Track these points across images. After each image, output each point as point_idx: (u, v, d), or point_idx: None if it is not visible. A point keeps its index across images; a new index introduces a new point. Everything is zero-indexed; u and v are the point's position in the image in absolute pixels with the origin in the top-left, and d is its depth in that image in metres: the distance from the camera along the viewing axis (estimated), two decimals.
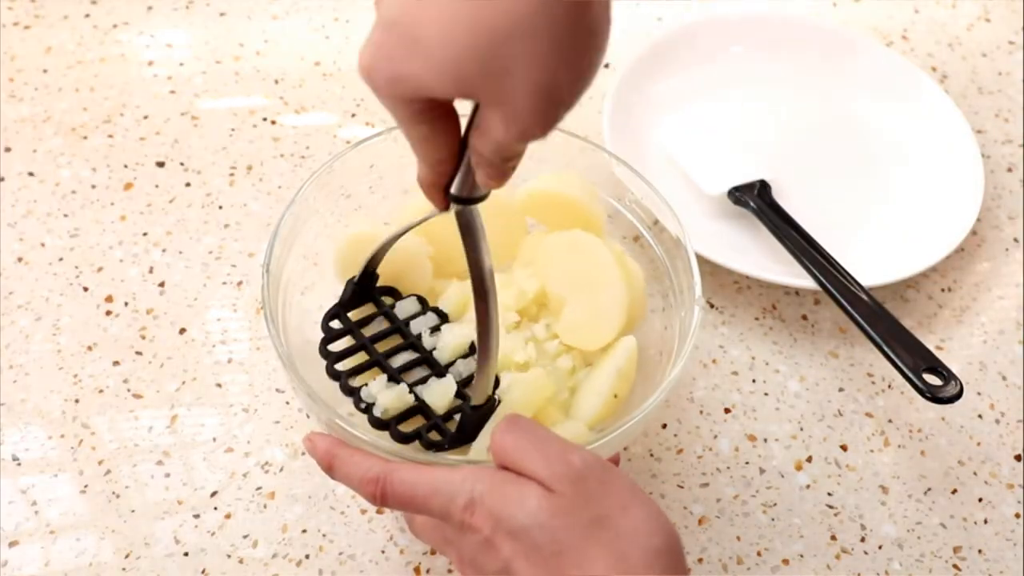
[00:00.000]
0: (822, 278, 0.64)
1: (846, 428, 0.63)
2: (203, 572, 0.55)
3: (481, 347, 0.46)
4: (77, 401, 0.61)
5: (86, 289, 0.66)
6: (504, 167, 0.38)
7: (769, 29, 0.82)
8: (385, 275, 0.55)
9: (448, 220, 0.43)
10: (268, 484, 0.58)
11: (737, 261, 0.67)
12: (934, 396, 0.58)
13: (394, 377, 0.52)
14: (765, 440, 0.63)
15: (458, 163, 0.39)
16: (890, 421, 0.64)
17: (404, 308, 0.55)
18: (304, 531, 0.57)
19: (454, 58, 0.33)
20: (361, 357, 0.54)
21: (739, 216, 0.72)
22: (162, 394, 0.61)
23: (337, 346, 0.54)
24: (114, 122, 0.76)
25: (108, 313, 0.65)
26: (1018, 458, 0.63)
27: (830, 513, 0.60)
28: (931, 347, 0.63)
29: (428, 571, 0.56)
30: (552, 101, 0.34)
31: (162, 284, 0.67)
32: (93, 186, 0.72)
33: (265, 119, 0.77)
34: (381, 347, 0.54)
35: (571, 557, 0.39)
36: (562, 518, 0.39)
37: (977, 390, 0.66)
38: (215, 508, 0.57)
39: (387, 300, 0.56)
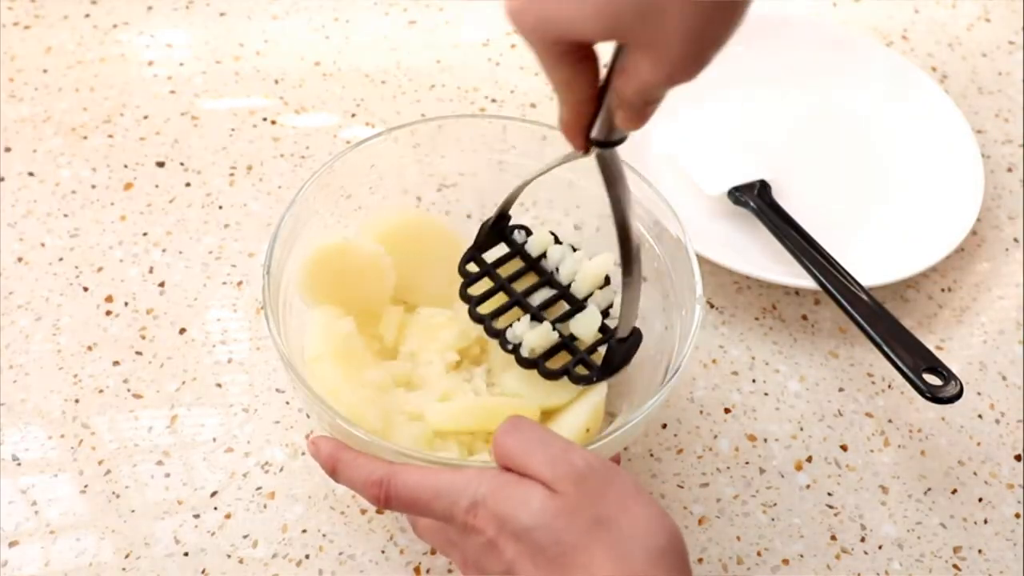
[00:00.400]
0: (822, 278, 0.64)
1: (846, 428, 0.63)
2: (203, 572, 0.55)
3: (626, 281, 0.48)
4: (77, 401, 0.61)
5: (86, 289, 0.66)
6: (645, 110, 0.39)
7: (769, 29, 0.82)
8: (342, 282, 0.56)
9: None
10: (268, 484, 0.58)
11: (737, 261, 0.66)
12: (934, 396, 0.57)
13: (536, 315, 0.53)
14: (765, 440, 0.63)
15: (598, 106, 0.40)
16: (890, 421, 0.64)
17: (536, 243, 0.56)
18: (304, 531, 0.57)
19: (609, 1, 0.33)
20: (501, 298, 0.55)
21: (739, 216, 0.72)
22: (162, 394, 0.61)
23: (477, 289, 0.55)
24: (114, 122, 0.76)
25: (108, 313, 0.65)
26: (1018, 458, 0.63)
27: (830, 513, 0.60)
28: (931, 347, 0.63)
29: (428, 571, 0.55)
30: (704, 44, 0.35)
31: (162, 284, 0.67)
32: (93, 186, 0.72)
33: (265, 119, 0.77)
34: (519, 286, 0.55)
35: (574, 558, 0.39)
36: (565, 519, 0.39)
37: (977, 390, 0.66)
38: (215, 508, 0.57)
39: (519, 237, 0.57)
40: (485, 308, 0.54)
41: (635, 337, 0.52)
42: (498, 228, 0.57)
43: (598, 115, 0.41)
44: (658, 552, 0.39)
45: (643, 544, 0.39)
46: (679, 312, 0.55)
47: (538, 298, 0.55)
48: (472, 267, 0.56)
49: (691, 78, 0.36)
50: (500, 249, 0.57)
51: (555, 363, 0.52)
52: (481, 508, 0.41)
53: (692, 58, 0.35)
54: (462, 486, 0.42)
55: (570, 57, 0.38)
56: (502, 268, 0.56)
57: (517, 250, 0.57)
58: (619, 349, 0.52)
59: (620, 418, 0.55)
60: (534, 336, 0.52)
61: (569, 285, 0.55)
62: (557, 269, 0.56)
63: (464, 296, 0.55)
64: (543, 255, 0.56)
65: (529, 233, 0.57)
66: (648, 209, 0.57)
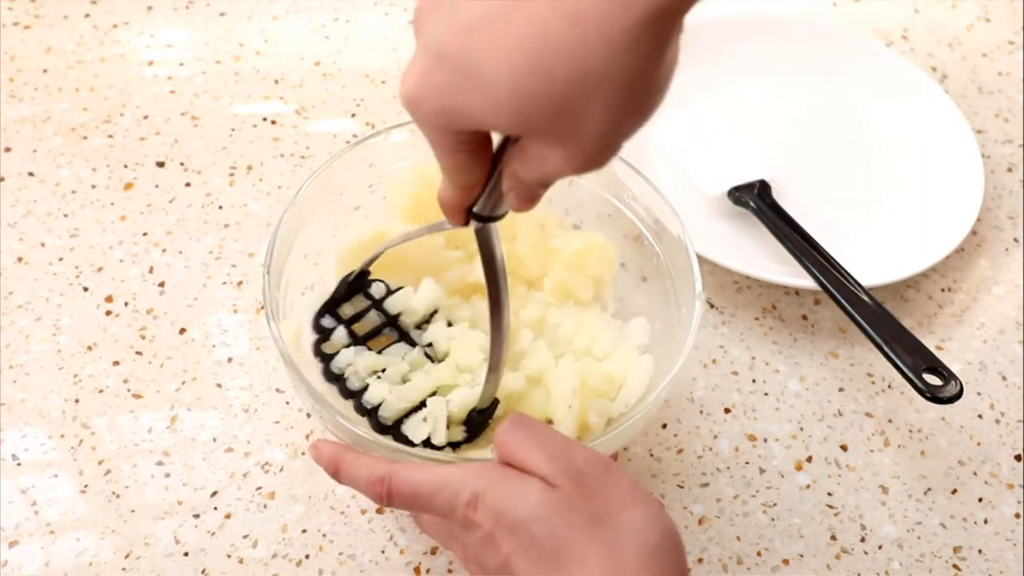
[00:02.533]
0: (822, 278, 0.64)
1: (846, 428, 0.63)
2: (203, 572, 0.55)
3: (493, 356, 0.47)
4: (77, 401, 0.61)
5: (86, 289, 0.66)
6: (540, 193, 0.38)
7: (769, 29, 0.81)
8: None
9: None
10: (268, 484, 0.58)
11: (737, 261, 0.66)
12: (934, 396, 0.57)
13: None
14: (765, 440, 0.63)
15: (485, 185, 0.40)
16: (890, 421, 0.64)
17: (397, 301, 0.55)
18: (304, 531, 0.57)
19: (521, 99, 0.32)
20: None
21: (739, 216, 0.72)
22: (162, 394, 0.61)
23: (332, 346, 0.55)
24: (114, 122, 0.75)
25: (108, 313, 0.65)
26: (1018, 458, 0.63)
27: (830, 513, 0.60)
28: (931, 347, 0.63)
29: (428, 571, 0.55)
30: (619, 137, 0.34)
31: (162, 284, 0.67)
32: (93, 186, 0.72)
33: (265, 119, 0.77)
34: (375, 345, 0.54)
35: (569, 552, 0.39)
36: (562, 513, 0.39)
37: (977, 390, 0.66)
38: (215, 508, 0.57)
39: (377, 292, 0.56)
40: (340, 367, 0.54)
41: (492, 407, 0.52)
42: (357, 284, 0.56)
43: (483, 192, 0.40)
44: (652, 550, 0.39)
45: (636, 540, 0.39)
46: (679, 310, 0.55)
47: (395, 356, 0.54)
48: (328, 321, 0.55)
49: (603, 166, 0.35)
50: (358, 302, 0.56)
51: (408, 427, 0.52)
52: (480, 502, 0.41)
53: (607, 151, 0.35)
54: (461, 481, 0.42)
55: (468, 145, 0.37)
56: (359, 324, 0.55)
57: (373, 304, 0.56)
58: (478, 419, 0.52)
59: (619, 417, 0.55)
60: (393, 400, 0.51)
61: (428, 345, 0.54)
62: (418, 327, 0.55)
63: (317, 353, 0.54)
64: (399, 313, 0.55)
65: (390, 291, 0.56)
66: (647, 207, 0.57)
